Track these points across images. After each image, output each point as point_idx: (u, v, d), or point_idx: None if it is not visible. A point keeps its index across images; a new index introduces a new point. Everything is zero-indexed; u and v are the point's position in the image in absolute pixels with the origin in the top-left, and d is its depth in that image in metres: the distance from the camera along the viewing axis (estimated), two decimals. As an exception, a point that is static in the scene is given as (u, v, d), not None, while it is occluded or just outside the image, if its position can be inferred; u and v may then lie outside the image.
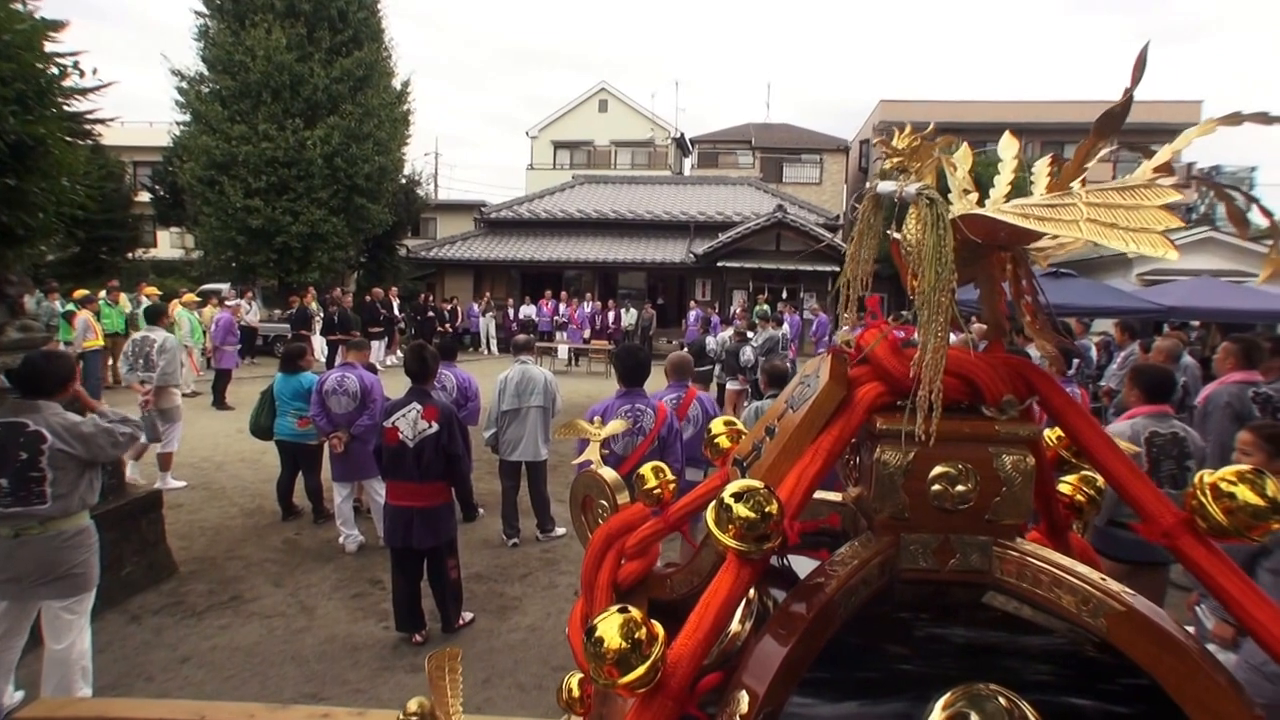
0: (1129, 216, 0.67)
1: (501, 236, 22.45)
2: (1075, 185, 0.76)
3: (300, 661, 3.99)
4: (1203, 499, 0.80)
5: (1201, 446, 3.65)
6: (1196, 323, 12.42)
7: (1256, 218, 0.78)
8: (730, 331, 10.59)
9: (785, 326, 11.46)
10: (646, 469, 1.20)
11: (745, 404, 9.64)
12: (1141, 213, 0.67)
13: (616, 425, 1.63)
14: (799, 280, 19.53)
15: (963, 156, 0.96)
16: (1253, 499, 0.77)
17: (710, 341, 10.64)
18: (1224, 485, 0.79)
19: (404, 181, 21.89)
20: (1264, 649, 0.75)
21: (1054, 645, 0.88)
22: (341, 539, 5.54)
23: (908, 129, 0.88)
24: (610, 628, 0.71)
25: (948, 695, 0.66)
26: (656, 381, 5.05)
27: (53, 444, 3.12)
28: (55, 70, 4.36)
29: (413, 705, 1.25)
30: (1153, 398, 3.72)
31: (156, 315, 7.34)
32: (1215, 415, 4.70)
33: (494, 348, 19.05)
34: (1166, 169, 0.73)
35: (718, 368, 10.13)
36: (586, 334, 18.21)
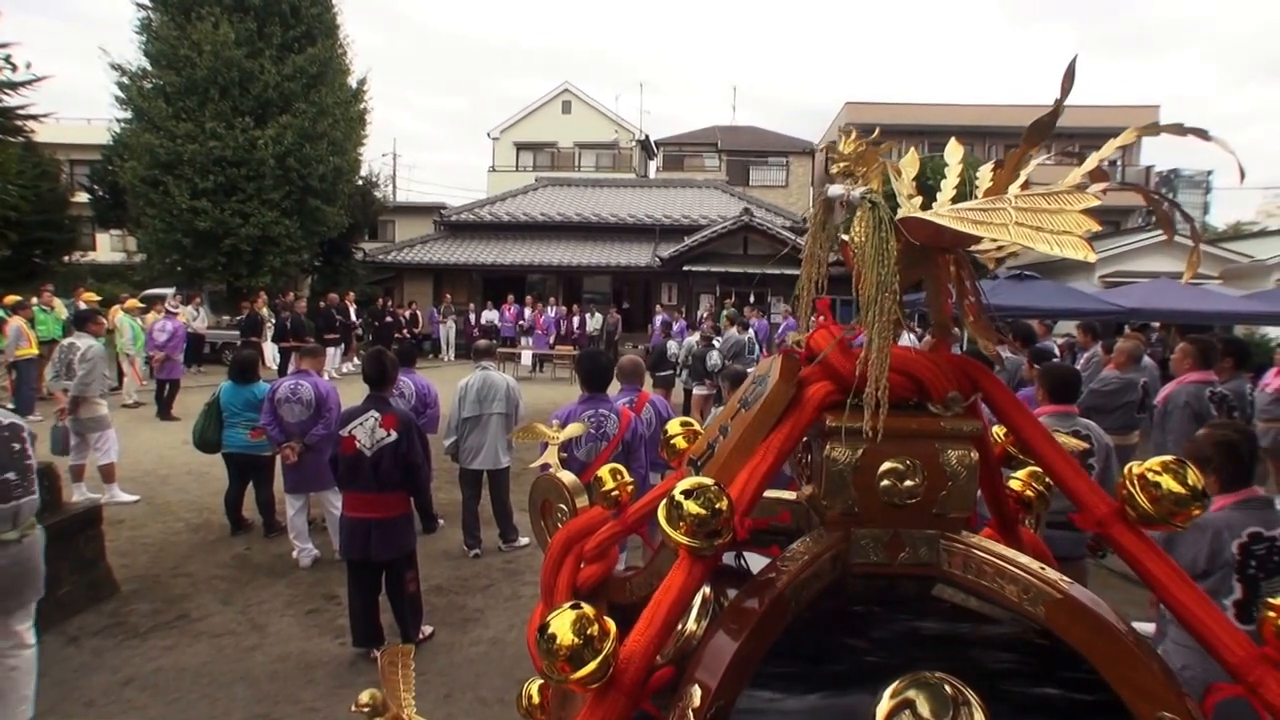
0: (1052, 220, 0.71)
1: (462, 240, 22.18)
2: (1013, 190, 0.79)
3: (251, 681, 3.83)
4: (1131, 489, 0.85)
5: (1106, 445, 3.72)
6: (1157, 324, 12.68)
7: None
8: (697, 336, 10.63)
9: (751, 331, 11.56)
10: (604, 471, 1.21)
11: (713, 408, 9.68)
12: (1064, 217, 0.70)
13: (575, 429, 1.64)
14: (766, 284, 19.68)
15: (909, 162, 0.99)
16: (1176, 488, 0.83)
17: (671, 345, 10.67)
18: (1150, 476, 0.84)
19: (360, 183, 21.45)
20: (1184, 626, 0.80)
21: (1017, 634, 0.92)
22: (295, 553, 5.38)
23: (854, 134, 0.91)
24: (562, 624, 0.71)
25: (895, 684, 0.67)
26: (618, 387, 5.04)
27: (28, 433, 3.21)
28: None
29: (364, 697, 1.25)
30: (1056, 398, 3.81)
31: (83, 320, 6.85)
32: (1175, 415, 4.82)
33: (452, 354, 18.78)
34: (1098, 174, 0.77)
35: (685, 373, 10.16)
36: (551, 339, 18.08)
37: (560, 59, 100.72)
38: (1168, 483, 0.83)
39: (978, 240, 0.82)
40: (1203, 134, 0.75)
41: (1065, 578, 0.81)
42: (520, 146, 29.70)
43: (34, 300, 11.38)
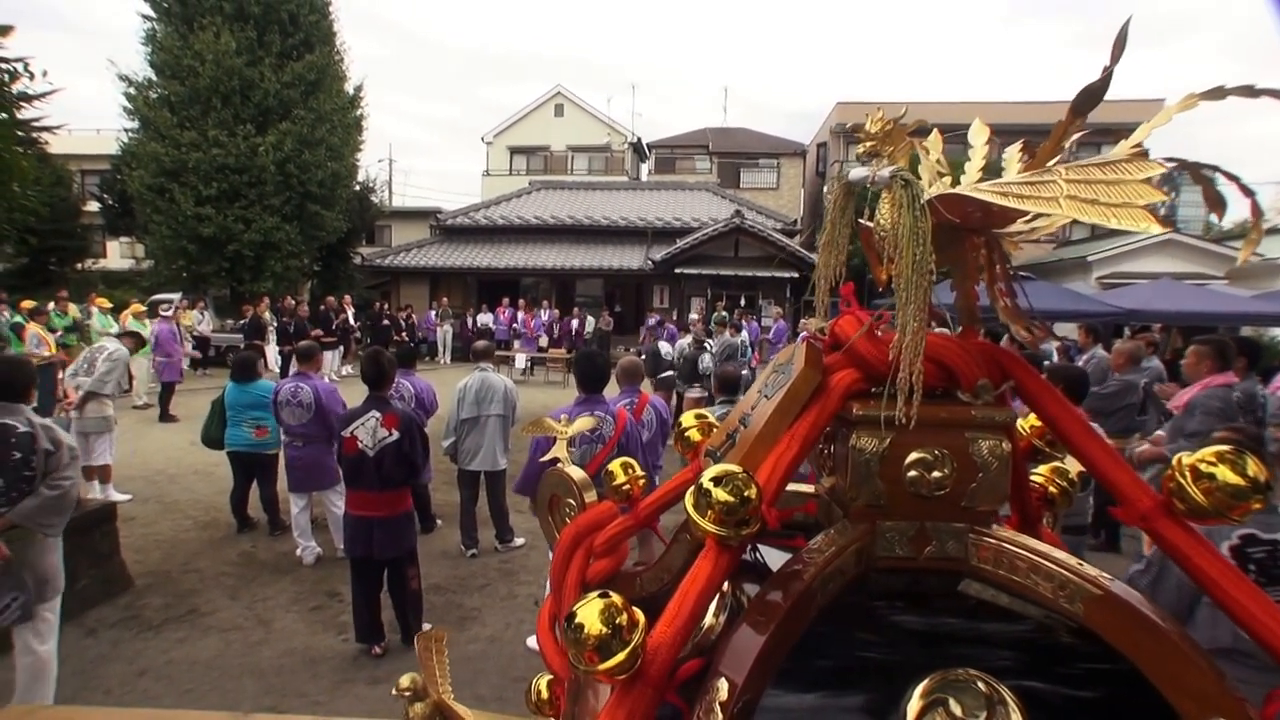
0: (1110, 191, 0.66)
1: (457, 244, 22.11)
2: (1053, 164, 0.75)
3: (258, 674, 3.93)
4: (1181, 481, 0.79)
5: None
6: (1157, 325, 12.20)
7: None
8: (689, 339, 10.60)
9: (744, 333, 11.52)
10: (615, 465, 1.18)
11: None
12: (1123, 187, 0.65)
13: (584, 422, 1.61)
14: (757, 286, 19.58)
15: (934, 142, 0.96)
16: (1233, 479, 0.76)
17: (665, 347, 10.62)
18: (1203, 466, 0.78)
19: (358, 188, 21.47)
20: (1242, 627, 0.75)
21: (1016, 631, 0.88)
22: (299, 551, 5.44)
23: (880, 113, 0.88)
24: (591, 613, 0.69)
25: (926, 682, 0.64)
26: (616, 389, 5.00)
27: (43, 445, 3.19)
28: (5, 73, 4.12)
29: (405, 681, 1.26)
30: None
31: (122, 337, 7.42)
32: (1197, 420, 4.35)
33: (449, 357, 18.71)
34: (1143, 150, 0.73)
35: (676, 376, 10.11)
36: (544, 341, 17.98)
37: (552, 62, 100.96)
38: (1224, 473, 0.76)
39: (1012, 219, 0.79)
40: None
41: (1105, 574, 0.77)
42: (514, 150, 29.53)
43: (50, 306, 11.73)
